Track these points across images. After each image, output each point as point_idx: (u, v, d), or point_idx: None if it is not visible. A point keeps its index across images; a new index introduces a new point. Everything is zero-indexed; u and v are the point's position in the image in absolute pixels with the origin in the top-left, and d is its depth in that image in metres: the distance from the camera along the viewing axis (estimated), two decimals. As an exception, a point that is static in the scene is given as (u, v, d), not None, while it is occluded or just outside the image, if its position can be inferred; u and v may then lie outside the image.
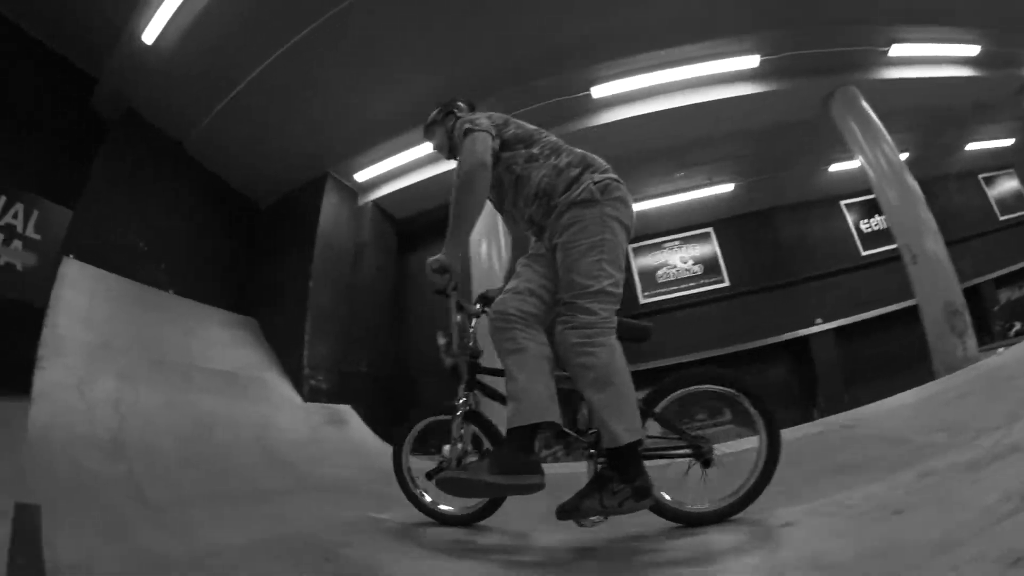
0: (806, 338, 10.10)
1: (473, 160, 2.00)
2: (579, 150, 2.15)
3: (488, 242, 7.04)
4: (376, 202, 8.62)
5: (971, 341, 6.33)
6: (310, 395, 6.48)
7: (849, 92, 7.41)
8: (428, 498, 2.50)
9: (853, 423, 3.95)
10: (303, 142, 7.48)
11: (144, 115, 6.80)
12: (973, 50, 7.67)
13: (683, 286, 10.87)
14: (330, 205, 7.92)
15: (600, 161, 2.10)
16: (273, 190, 8.29)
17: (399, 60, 6.45)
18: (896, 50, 7.32)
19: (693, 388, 2.07)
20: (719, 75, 7.16)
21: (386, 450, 5.93)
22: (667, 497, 1.99)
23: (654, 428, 2.04)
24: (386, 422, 6.80)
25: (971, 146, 10.75)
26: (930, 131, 9.31)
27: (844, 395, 9.33)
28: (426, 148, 7.13)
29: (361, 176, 8.24)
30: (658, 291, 10.90)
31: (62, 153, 6.43)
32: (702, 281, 10.88)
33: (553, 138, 2.20)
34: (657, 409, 2.03)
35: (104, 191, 6.19)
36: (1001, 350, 5.53)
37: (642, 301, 10.85)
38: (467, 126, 2.09)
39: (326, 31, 5.90)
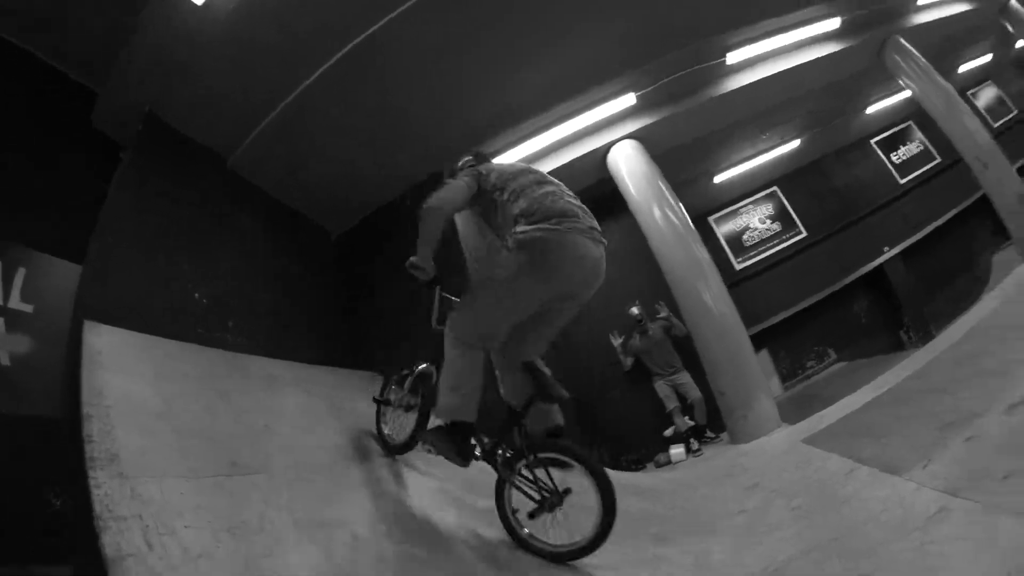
0: (880, 267, 9.71)
1: (436, 200, 2.10)
2: (539, 192, 2.09)
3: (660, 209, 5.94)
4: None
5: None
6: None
7: (897, 40, 7.60)
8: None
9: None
10: (405, 140, 5.26)
11: (171, 121, 4.23)
12: None
13: (769, 245, 10.06)
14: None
15: (550, 208, 2.00)
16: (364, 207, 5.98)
17: (525, 31, 4.84)
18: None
19: (545, 455, 2.01)
20: (807, 39, 6.93)
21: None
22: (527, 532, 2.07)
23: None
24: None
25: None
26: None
27: (924, 310, 9.27)
28: (559, 133, 6.05)
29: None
30: (749, 255, 9.96)
31: (51, 189, 3.77)
32: (783, 237, 10.13)
33: (523, 181, 2.15)
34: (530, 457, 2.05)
35: (129, 230, 3.52)
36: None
37: (737, 268, 9.88)
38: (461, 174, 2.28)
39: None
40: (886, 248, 9.76)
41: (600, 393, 6.58)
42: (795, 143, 9.59)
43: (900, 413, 3.00)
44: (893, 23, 7.70)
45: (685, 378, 5.81)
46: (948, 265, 9.84)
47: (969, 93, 12.05)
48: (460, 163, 2.55)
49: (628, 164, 6.27)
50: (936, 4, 8.30)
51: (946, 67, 10.07)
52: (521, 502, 2.08)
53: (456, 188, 2.12)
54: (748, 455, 4.43)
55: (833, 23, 7.03)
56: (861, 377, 5.13)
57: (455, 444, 2.05)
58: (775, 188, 10.36)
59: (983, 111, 12.13)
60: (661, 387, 5.83)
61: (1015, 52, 12.08)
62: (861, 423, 3.34)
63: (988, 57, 11.74)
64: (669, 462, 5.48)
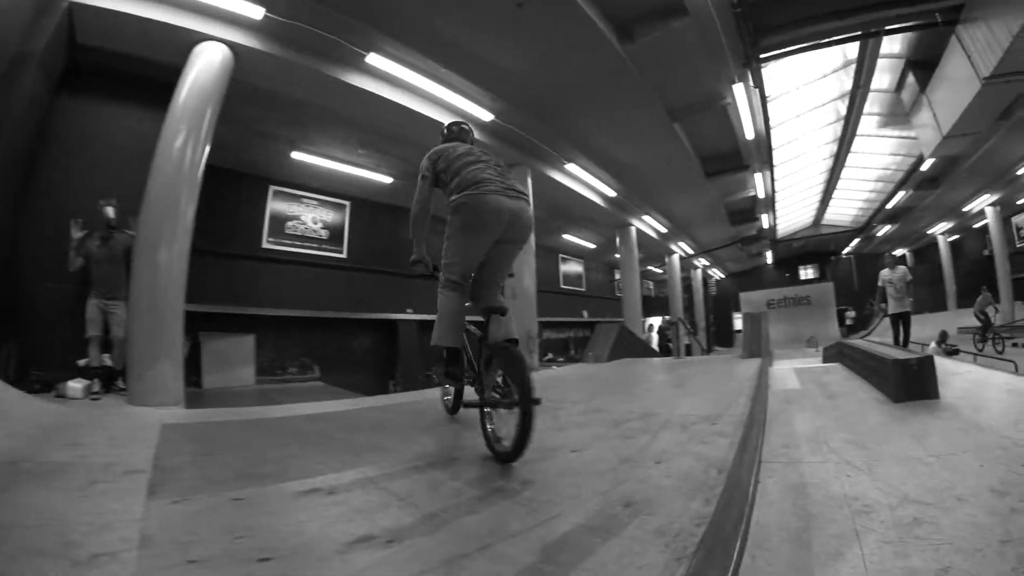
0: (396, 322, 11.76)
1: (414, 208, 2.97)
2: (468, 168, 2.83)
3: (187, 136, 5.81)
4: (73, 6, 5.50)
5: (536, 358, 9.07)
6: None
7: (524, 171, 9.78)
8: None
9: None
10: None
11: None
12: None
13: (306, 244, 10.93)
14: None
15: (470, 179, 2.77)
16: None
17: None
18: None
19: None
20: (457, 107, 8.19)
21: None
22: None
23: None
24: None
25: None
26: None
27: (418, 375, 11.56)
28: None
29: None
30: (283, 241, 10.64)
31: None
32: (324, 246, 11.19)
33: (459, 164, 2.89)
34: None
35: None
36: (554, 367, 8.39)
37: (264, 245, 10.45)
38: (422, 173, 2.98)
39: None
40: (409, 310, 11.90)
41: (35, 279, 5.77)
42: (388, 179, 10.72)
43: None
44: (531, 159, 9.58)
45: (120, 311, 5.57)
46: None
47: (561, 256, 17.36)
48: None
49: (206, 70, 5.95)
50: (584, 183, 11.23)
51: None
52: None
53: (420, 193, 2.94)
54: (114, 416, 4.18)
55: (486, 115, 8.30)
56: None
57: (451, 367, 2.89)
58: (348, 204, 11.56)
59: (561, 273, 17.50)
60: (92, 308, 5.53)
61: (609, 258, 17.90)
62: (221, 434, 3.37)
63: (593, 244, 17.19)
64: (64, 396, 5.05)
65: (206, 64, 5.99)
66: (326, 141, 9.21)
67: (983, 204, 16.65)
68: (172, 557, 1.30)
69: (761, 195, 14.29)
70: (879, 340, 7.49)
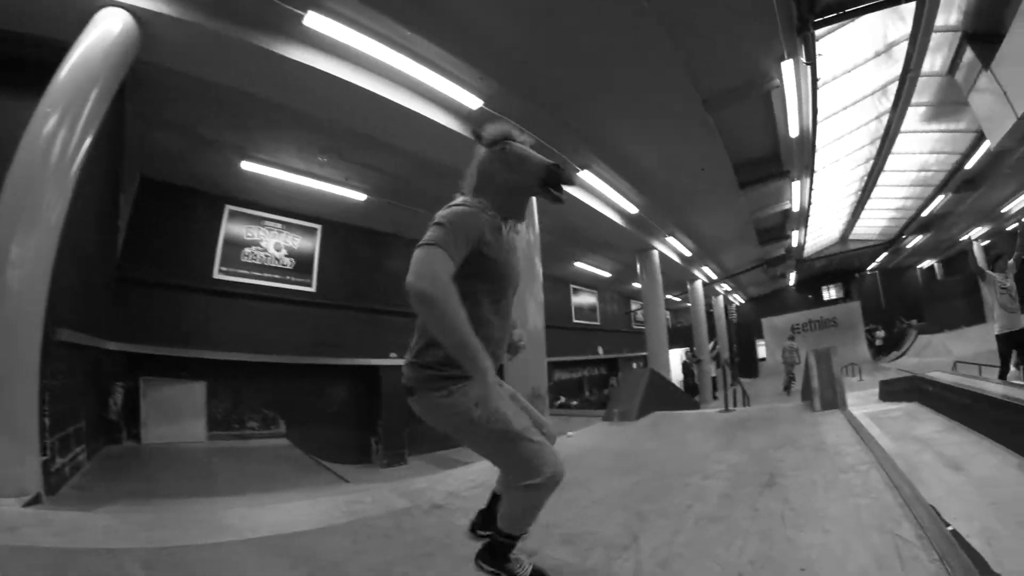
0: (377, 368, 10.22)
1: None
2: None
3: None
4: None
5: (545, 407, 7.38)
6: None
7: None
8: None
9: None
10: None
11: None
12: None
13: (267, 275, 9.65)
14: None
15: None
16: None
17: None
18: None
19: None
20: (442, 97, 6.75)
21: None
22: None
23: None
24: None
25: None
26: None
27: (403, 430, 10.02)
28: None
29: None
30: (238, 271, 9.32)
31: None
32: (289, 277, 9.93)
33: None
34: None
35: None
36: (569, 434, 6.41)
37: (215, 276, 9.15)
38: None
39: None
40: (393, 354, 10.29)
41: None
42: (360, 196, 9.35)
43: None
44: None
45: None
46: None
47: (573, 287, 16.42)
48: None
49: (99, 41, 4.84)
50: (601, 198, 9.65)
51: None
52: None
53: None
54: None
55: (474, 101, 6.71)
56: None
57: None
58: (319, 228, 10.25)
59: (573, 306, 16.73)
60: None
61: (624, 288, 17.20)
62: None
63: (608, 273, 16.47)
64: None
65: (100, 35, 4.90)
66: (278, 147, 7.94)
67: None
68: None
69: (795, 208, 12.84)
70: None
